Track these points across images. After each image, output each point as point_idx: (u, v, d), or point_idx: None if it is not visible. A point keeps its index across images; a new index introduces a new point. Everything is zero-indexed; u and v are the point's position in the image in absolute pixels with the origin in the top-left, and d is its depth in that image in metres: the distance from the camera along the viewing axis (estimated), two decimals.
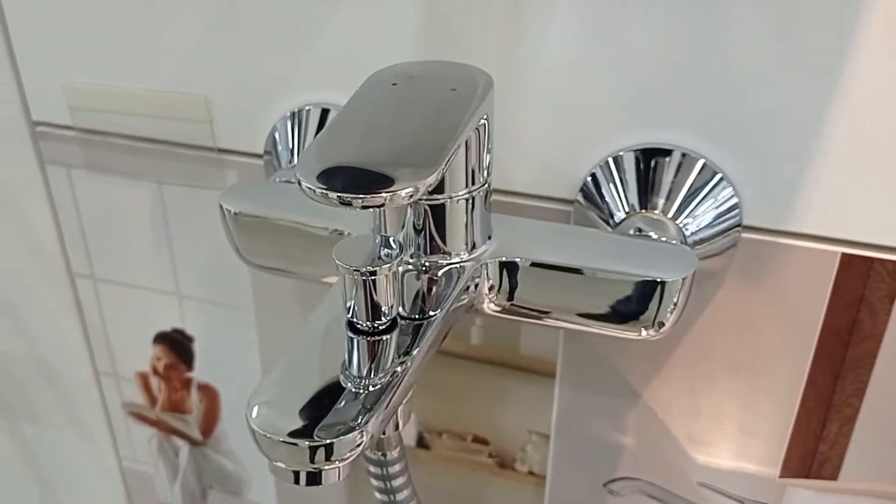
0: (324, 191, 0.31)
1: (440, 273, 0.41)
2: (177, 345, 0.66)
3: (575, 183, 0.49)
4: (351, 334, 0.37)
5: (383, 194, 0.32)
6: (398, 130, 0.35)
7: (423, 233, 0.41)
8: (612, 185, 0.48)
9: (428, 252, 0.41)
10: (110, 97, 0.57)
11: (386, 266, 0.35)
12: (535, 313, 0.43)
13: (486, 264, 0.42)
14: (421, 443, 0.63)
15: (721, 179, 0.46)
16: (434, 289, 0.40)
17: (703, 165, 0.46)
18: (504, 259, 0.42)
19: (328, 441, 0.32)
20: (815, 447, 0.53)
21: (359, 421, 0.33)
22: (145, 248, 0.62)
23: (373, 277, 0.35)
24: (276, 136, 0.53)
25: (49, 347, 0.71)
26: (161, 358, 0.67)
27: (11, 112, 0.60)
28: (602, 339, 0.53)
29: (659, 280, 0.41)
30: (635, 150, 0.47)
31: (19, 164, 0.62)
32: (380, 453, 0.42)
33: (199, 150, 0.56)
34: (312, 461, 0.33)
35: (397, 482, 0.42)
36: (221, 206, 0.47)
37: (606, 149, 0.48)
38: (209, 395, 0.68)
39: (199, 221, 0.59)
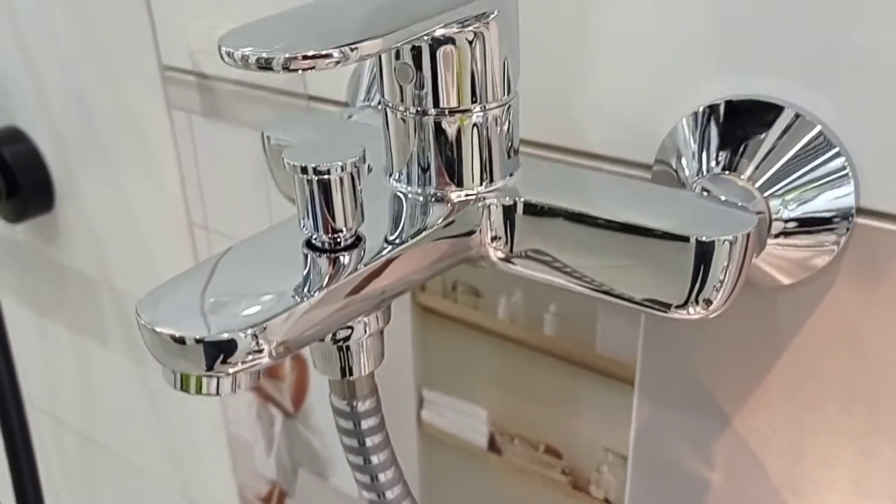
0: (245, 53, 0.28)
1: (438, 204, 0.36)
2: None
3: (658, 143, 0.42)
4: (305, 251, 0.33)
5: (309, 58, 0.27)
6: (358, 15, 0.31)
7: (428, 159, 0.36)
8: (693, 146, 0.40)
9: (433, 182, 0.36)
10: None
11: (339, 165, 0.31)
12: (546, 269, 0.36)
13: (489, 207, 0.36)
14: (493, 446, 0.57)
15: (835, 149, 0.37)
16: (426, 219, 0.35)
17: (814, 127, 0.37)
18: (507, 201, 0.36)
19: (217, 337, 0.28)
20: None
21: (260, 322, 0.29)
22: (248, 199, 0.62)
23: (325, 177, 0.31)
24: (359, 79, 0.50)
25: None
26: None
27: (146, 56, 0.63)
28: (676, 332, 0.45)
29: (704, 239, 0.33)
30: (726, 103, 0.39)
31: (152, 107, 0.65)
32: (346, 402, 0.36)
33: (293, 97, 0.55)
34: (210, 365, 0.28)
35: (372, 440, 0.37)
36: (263, 133, 0.45)
37: (694, 102, 0.40)
38: (300, 363, 0.66)
39: None
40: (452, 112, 0.35)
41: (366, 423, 0.36)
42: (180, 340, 0.28)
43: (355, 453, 0.37)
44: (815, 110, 0.37)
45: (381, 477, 0.38)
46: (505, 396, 0.54)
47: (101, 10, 0.64)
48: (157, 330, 0.28)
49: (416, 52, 0.34)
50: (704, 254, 0.33)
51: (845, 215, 0.37)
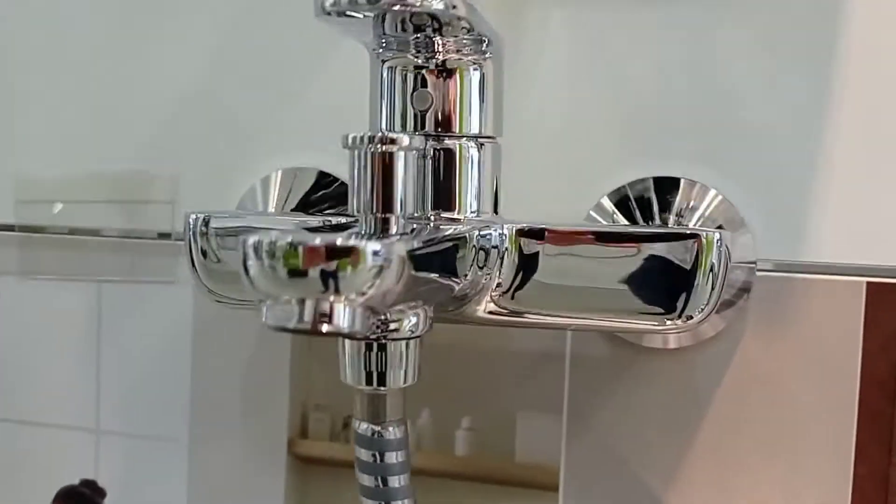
0: None
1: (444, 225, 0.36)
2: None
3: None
4: None
5: None
6: None
7: (427, 184, 0.36)
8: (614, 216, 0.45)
9: (433, 207, 0.37)
10: (60, 186, 0.53)
11: (407, 138, 0.31)
12: (548, 299, 0.37)
13: (503, 234, 0.36)
14: None
15: (735, 210, 0.44)
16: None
17: (710, 191, 0.44)
18: (525, 227, 0.37)
19: (349, 243, 0.25)
20: None
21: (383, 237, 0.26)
22: (68, 368, 0.53)
23: (391, 148, 0.30)
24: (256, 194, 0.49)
25: None
26: None
27: None
28: (601, 419, 0.46)
29: (696, 233, 0.36)
30: (633, 184, 0.45)
31: None
32: (369, 425, 0.32)
33: (147, 240, 0.51)
34: (325, 285, 0.25)
35: (395, 481, 0.32)
36: (188, 217, 0.41)
37: (604, 189, 0.46)
38: None
39: (141, 324, 0.52)
40: (458, 138, 0.36)
41: (390, 458, 0.32)
42: (297, 247, 0.24)
43: (373, 497, 0.32)
44: (707, 180, 0.44)
45: None
46: None
47: None
48: (274, 241, 0.24)
49: (424, 80, 0.36)
50: (698, 249, 0.36)
51: (749, 265, 0.44)
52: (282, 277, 0.24)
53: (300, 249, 0.24)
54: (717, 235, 0.36)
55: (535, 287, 0.38)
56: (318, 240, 0.24)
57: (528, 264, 0.37)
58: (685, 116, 0.45)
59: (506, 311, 0.38)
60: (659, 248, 0.36)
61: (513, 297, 0.38)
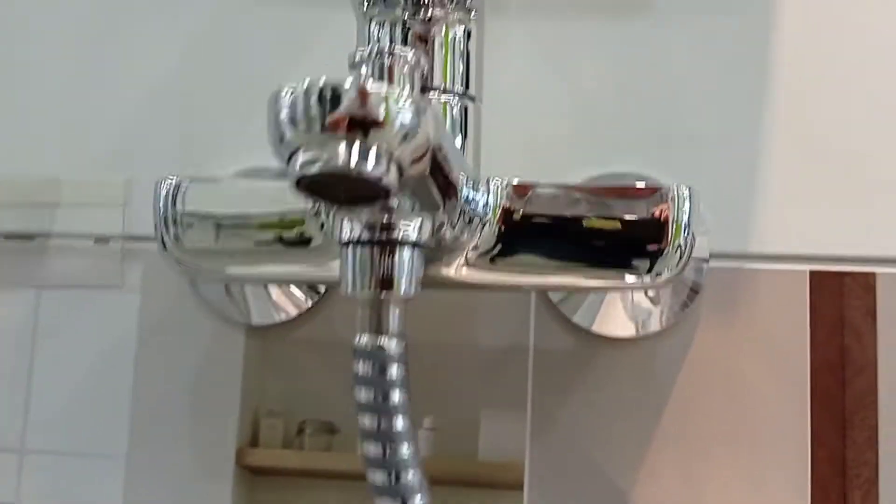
0: None
1: None
2: None
3: None
4: None
5: None
6: None
7: None
8: None
9: None
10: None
11: (410, 52, 0.32)
12: (526, 263, 0.38)
13: (487, 203, 0.37)
14: None
15: None
16: None
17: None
18: (514, 212, 0.38)
19: (384, 89, 0.25)
20: None
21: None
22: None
23: (397, 61, 0.32)
24: None
25: None
26: None
27: None
28: (566, 414, 0.46)
29: (666, 186, 0.38)
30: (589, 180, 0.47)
31: None
32: (372, 338, 0.31)
33: (95, 243, 0.50)
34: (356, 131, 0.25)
35: (395, 397, 0.31)
36: (158, 185, 0.40)
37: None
38: None
39: (80, 333, 0.49)
40: (442, 93, 0.38)
41: (391, 373, 0.31)
42: (334, 92, 0.25)
43: (371, 412, 0.30)
44: (660, 176, 0.47)
45: (400, 450, 0.31)
46: None
47: None
48: (310, 85, 0.25)
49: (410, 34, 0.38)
50: (669, 201, 0.38)
51: (704, 258, 0.46)
52: (314, 124, 0.25)
53: (335, 94, 0.25)
54: (685, 190, 0.38)
55: (516, 257, 0.38)
56: (350, 84, 0.25)
57: (511, 237, 0.38)
58: (639, 121, 0.48)
59: (480, 272, 0.38)
60: (629, 205, 0.38)
61: (492, 261, 0.38)
